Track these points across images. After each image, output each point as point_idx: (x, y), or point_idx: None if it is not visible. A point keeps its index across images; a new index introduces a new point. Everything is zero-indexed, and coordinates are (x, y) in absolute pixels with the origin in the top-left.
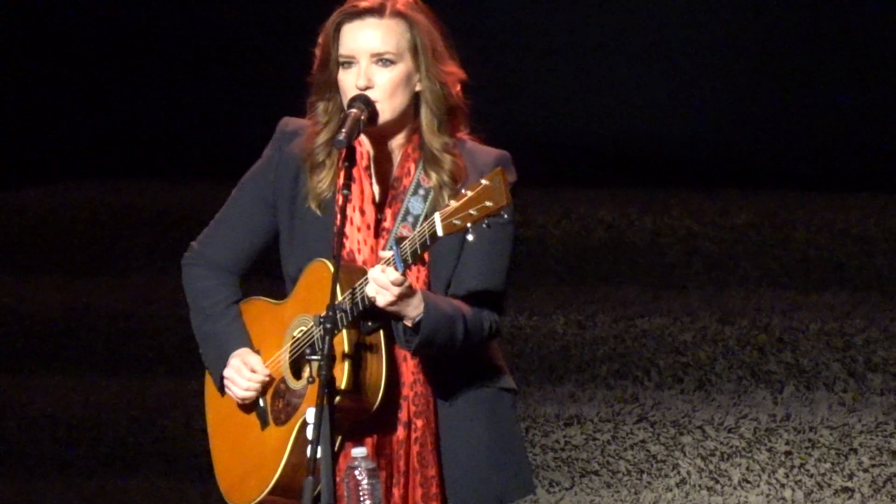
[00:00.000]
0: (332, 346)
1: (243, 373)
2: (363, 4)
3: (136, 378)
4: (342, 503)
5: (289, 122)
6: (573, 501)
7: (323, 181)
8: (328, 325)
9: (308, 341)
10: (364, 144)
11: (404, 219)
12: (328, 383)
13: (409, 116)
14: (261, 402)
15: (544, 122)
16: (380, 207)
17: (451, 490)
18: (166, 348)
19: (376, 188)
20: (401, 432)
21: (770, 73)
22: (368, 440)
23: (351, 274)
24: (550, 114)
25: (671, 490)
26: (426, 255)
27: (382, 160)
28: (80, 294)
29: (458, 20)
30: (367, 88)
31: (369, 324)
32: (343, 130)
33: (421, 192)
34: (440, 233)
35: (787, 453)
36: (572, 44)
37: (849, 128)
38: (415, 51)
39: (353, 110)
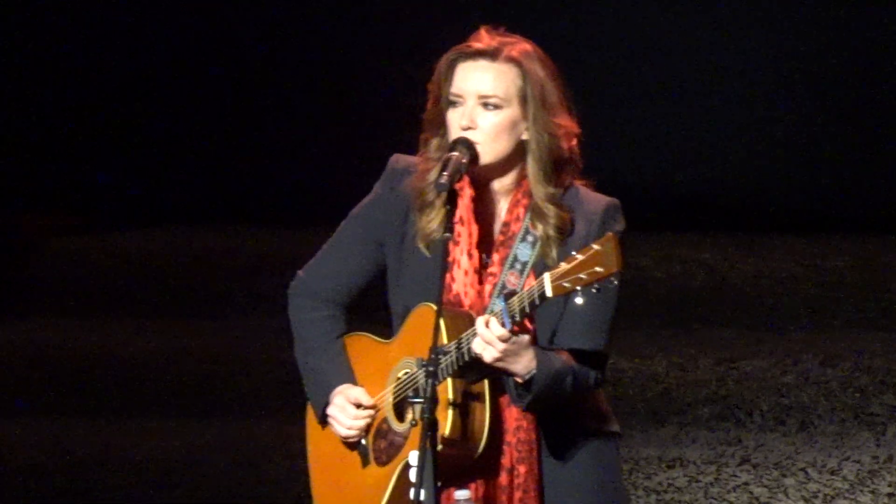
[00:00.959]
0: (434, 390)
1: (348, 411)
2: (478, 46)
3: (235, 422)
4: None
5: (399, 160)
6: None
7: (433, 221)
8: (430, 369)
9: (412, 384)
10: (470, 188)
11: (512, 265)
12: (431, 427)
13: (514, 163)
14: (363, 441)
15: (645, 168)
16: (486, 252)
17: None
18: (265, 392)
19: (486, 232)
20: (503, 478)
21: (871, 118)
22: (474, 485)
23: (457, 319)
24: (650, 159)
25: None
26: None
27: (488, 204)
28: (178, 337)
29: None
30: (468, 129)
31: (474, 376)
32: (445, 174)
33: (529, 238)
34: (549, 294)
35: (890, 495)
36: (673, 89)
37: None
38: (523, 99)
39: (455, 153)
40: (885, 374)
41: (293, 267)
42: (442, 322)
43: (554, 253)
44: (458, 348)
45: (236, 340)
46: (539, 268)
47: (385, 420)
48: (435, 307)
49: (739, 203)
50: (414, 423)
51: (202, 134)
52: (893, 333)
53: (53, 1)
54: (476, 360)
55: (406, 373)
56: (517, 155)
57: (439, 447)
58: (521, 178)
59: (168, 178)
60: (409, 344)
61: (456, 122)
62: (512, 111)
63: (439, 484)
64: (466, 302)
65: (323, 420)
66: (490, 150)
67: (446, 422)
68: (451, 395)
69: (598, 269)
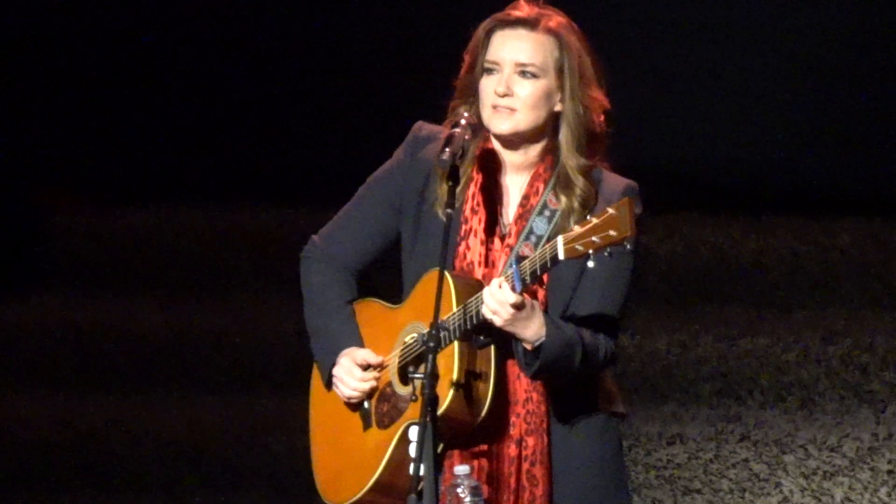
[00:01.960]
0: (435, 365)
1: (354, 372)
2: (518, 14)
3: (239, 397)
4: None
5: (423, 127)
6: None
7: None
8: (431, 344)
9: (419, 349)
10: (502, 156)
11: (527, 238)
12: (431, 403)
13: (544, 135)
14: (365, 404)
15: (648, 146)
16: (506, 222)
17: None
18: (270, 367)
19: (506, 203)
20: (512, 450)
21: (876, 99)
22: (479, 459)
23: (467, 286)
24: (655, 138)
25: None
26: (545, 278)
27: (515, 176)
28: (184, 314)
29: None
30: (504, 96)
31: (481, 338)
32: (447, 150)
33: (546, 213)
34: (561, 256)
35: (890, 472)
36: (679, 72)
37: None
38: (560, 70)
39: (458, 129)
40: (886, 352)
41: (300, 245)
42: (452, 288)
43: (571, 228)
44: (465, 312)
45: (242, 317)
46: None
47: (389, 383)
48: (448, 273)
49: (743, 182)
50: (414, 398)
51: (212, 111)
52: (894, 312)
53: None
54: (484, 324)
55: (413, 337)
56: (547, 127)
57: (441, 410)
58: (546, 152)
59: (177, 156)
60: (418, 308)
61: (490, 88)
62: (548, 81)
63: (439, 451)
64: (480, 272)
65: (328, 382)
66: (525, 117)
67: (447, 394)
68: (457, 360)
69: (611, 232)
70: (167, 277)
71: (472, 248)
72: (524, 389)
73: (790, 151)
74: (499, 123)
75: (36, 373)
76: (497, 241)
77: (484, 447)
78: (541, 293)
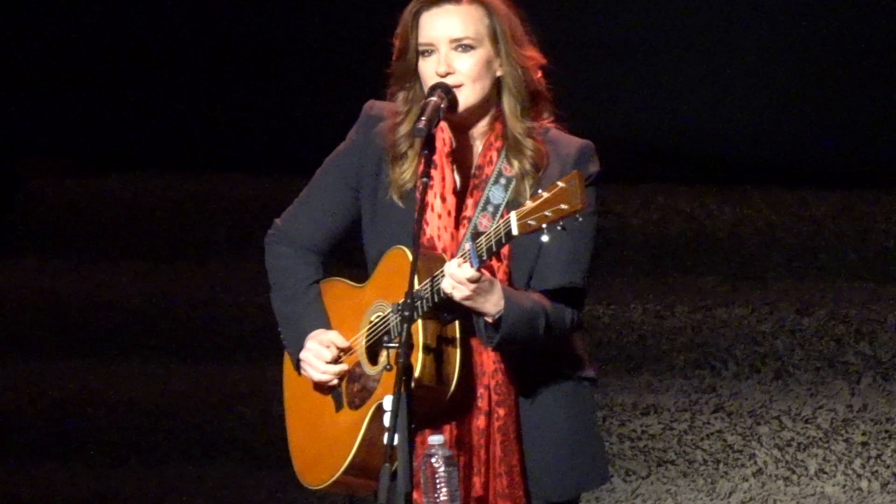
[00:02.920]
0: (410, 334)
1: (322, 354)
2: None
3: (214, 365)
4: (419, 490)
5: (373, 105)
6: (649, 491)
7: (405, 173)
8: (406, 313)
9: (384, 328)
10: (446, 132)
11: (484, 208)
12: (406, 371)
13: (490, 103)
14: (336, 386)
15: (624, 116)
16: (461, 196)
17: (532, 478)
18: (245, 336)
19: (458, 177)
20: (482, 421)
21: (851, 69)
22: (448, 429)
23: (430, 262)
24: (630, 108)
25: (747, 480)
26: (506, 251)
27: (464, 148)
28: (159, 281)
29: (543, 19)
30: (447, 75)
31: (446, 315)
32: (423, 118)
33: (502, 181)
34: (515, 232)
35: (864, 444)
36: (653, 43)
37: None
38: (494, 36)
39: (433, 98)
40: (861, 324)
41: (275, 213)
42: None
43: (527, 192)
44: (431, 287)
45: (218, 286)
46: (512, 209)
47: (358, 364)
48: (407, 250)
49: (719, 152)
50: (389, 367)
51: (188, 79)
52: (870, 283)
53: None
54: (447, 301)
55: (378, 315)
56: (492, 95)
57: (412, 386)
58: (494, 120)
59: (153, 123)
60: (381, 287)
61: (431, 70)
62: (485, 50)
63: (413, 426)
64: (440, 245)
65: (298, 366)
66: (471, 91)
67: (417, 364)
68: (422, 336)
69: (563, 206)
70: (143, 245)
71: (430, 223)
72: (492, 361)
73: (766, 122)
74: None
75: (9, 340)
76: (454, 213)
77: (455, 422)
78: (503, 266)
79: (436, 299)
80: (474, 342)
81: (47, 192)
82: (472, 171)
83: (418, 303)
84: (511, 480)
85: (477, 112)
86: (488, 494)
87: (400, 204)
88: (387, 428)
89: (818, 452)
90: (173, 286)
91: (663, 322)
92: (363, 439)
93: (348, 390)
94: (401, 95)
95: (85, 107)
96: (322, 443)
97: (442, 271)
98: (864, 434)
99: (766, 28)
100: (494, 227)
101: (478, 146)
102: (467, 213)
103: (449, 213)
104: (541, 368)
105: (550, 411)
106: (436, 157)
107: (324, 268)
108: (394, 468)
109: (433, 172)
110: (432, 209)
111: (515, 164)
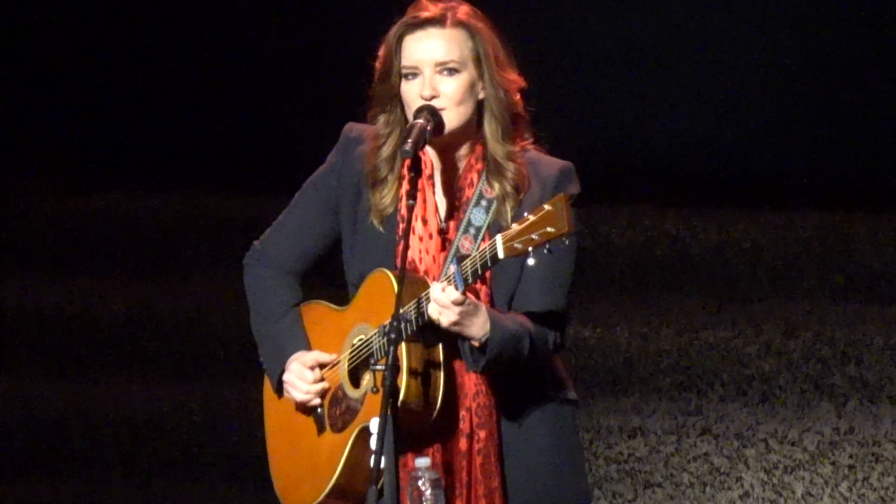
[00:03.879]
0: (396, 357)
1: (305, 375)
2: (424, 15)
3: (198, 383)
4: None
5: (353, 128)
6: None
7: (385, 197)
8: (393, 336)
9: (368, 350)
10: (428, 154)
11: (466, 230)
12: (393, 394)
13: (473, 126)
14: (318, 408)
15: (609, 137)
16: (443, 218)
17: (514, 501)
18: (229, 353)
19: (440, 199)
20: (463, 443)
21: (835, 90)
22: (432, 451)
23: (413, 285)
24: (615, 129)
25: (734, 503)
26: (488, 273)
27: (447, 171)
28: (144, 298)
29: (526, 34)
30: (432, 98)
31: (430, 337)
32: (409, 140)
33: (483, 203)
34: (501, 255)
35: (851, 467)
36: (639, 60)
37: None
38: (477, 59)
39: (420, 121)
40: (847, 346)
41: (258, 230)
42: (397, 288)
43: (508, 214)
44: (416, 310)
45: (202, 303)
46: (494, 231)
47: (340, 386)
48: (390, 273)
49: (704, 174)
50: (375, 389)
51: (173, 96)
52: (856, 305)
53: None
54: (431, 324)
55: (361, 339)
56: (474, 118)
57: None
58: (475, 142)
59: (138, 140)
60: (363, 310)
61: (415, 93)
62: (469, 73)
63: (399, 449)
64: (422, 268)
65: (279, 389)
66: (455, 115)
67: (402, 387)
68: (406, 361)
69: (549, 229)
70: (127, 262)
71: (412, 246)
72: (474, 383)
73: (751, 143)
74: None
75: None
76: (436, 235)
77: (437, 444)
78: (485, 289)
79: (420, 322)
80: (457, 364)
81: (32, 209)
82: (454, 192)
83: (403, 325)
84: (491, 503)
85: (460, 135)
86: None
87: (380, 228)
88: (372, 450)
89: (805, 475)
90: (157, 303)
91: (649, 344)
92: (347, 462)
93: (331, 413)
94: (381, 118)
95: (69, 124)
96: (304, 465)
97: (427, 294)
98: (850, 457)
99: (751, 50)
100: (479, 250)
101: (459, 168)
102: (449, 235)
103: (430, 236)
104: (522, 390)
105: (532, 433)
106: (419, 180)
107: (303, 288)
108: (380, 487)
109: (416, 195)
110: (413, 231)
111: (496, 185)
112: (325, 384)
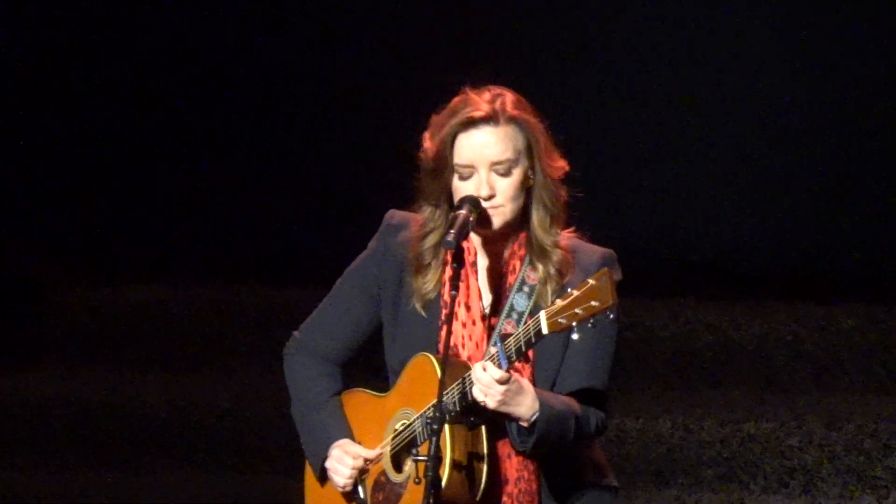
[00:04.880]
0: (438, 447)
1: (346, 461)
2: (477, 114)
3: (239, 476)
4: None
5: (394, 215)
6: None
7: (428, 283)
8: (435, 426)
9: (410, 435)
10: (471, 241)
11: (508, 315)
12: (434, 485)
13: (520, 215)
14: (361, 494)
15: (651, 230)
16: (486, 304)
17: None
18: (270, 447)
19: (483, 284)
20: None
21: (879, 183)
22: None
23: (455, 369)
24: (658, 222)
25: None
26: (531, 353)
27: (490, 257)
28: (184, 391)
29: (567, 126)
30: (490, 197)
31: (473, 419)
32: (452, 231)
33: (525, 288)
34: (545, 331)
35: None
36: (683, 151)
37: None
38: (529, 151)
39: (463, 212)
40: (890, 438)
41: (296, 321)
42: (440, 372)
43: (549, 298)
44: (458, 393)
45: (244, 395)
46: (535, 314)
47: (383, 472)
48: (433, 357)
49: (746, 267)
50: (417, 480)
51: (214, 189)
52: None
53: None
54: (475, 406)
55: (403, 423)
56: (523, 207)
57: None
58: (520, 228)
59: (179, 232)
60: (406, 394)
61: (470, 191)
62: (522, 167)
63: None
64: (464, 353)
65: (321, 476)
66: (510, 210)
67: (444, 477)
68: (449, 451)
69: (594, 303)
70: (168, 354)
71: (454, 332)
72: (515, 468)
73: (791, 236)
74: (492, 223)
75: (34, 449)
76: (479, 321)
77: None
78: (528, 369)
79: (463, 404)
80: (500, 449)
81: (72, 300)
82: (497, 278)
83: (446, 412)
84: None
85: (510, 225)
86: None
87: (422, 313)
88: None
89: None
90: (197, 396)
91: (691, 435)
92: None
93: (373, 498)
94: (428, 210)
95: (110, 215)
96: None
97: (468, 376)
98: None
99: (790, 143)
100: (524, 328)
101: (502, 255)
102: (492, 320)
103: (473, 322)
104: (563, 476)
105: None
106: (463, 269)
107: (343, 377)
108: None
109: (459, 283)
110: (456, 317)
111: (540, 268)
112: (366, 467)
